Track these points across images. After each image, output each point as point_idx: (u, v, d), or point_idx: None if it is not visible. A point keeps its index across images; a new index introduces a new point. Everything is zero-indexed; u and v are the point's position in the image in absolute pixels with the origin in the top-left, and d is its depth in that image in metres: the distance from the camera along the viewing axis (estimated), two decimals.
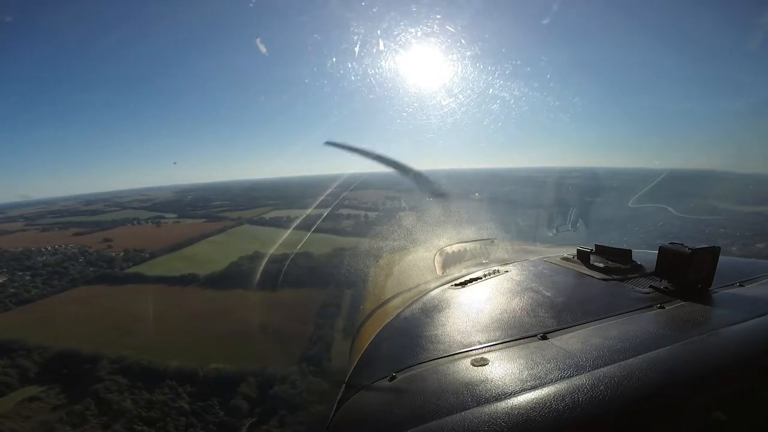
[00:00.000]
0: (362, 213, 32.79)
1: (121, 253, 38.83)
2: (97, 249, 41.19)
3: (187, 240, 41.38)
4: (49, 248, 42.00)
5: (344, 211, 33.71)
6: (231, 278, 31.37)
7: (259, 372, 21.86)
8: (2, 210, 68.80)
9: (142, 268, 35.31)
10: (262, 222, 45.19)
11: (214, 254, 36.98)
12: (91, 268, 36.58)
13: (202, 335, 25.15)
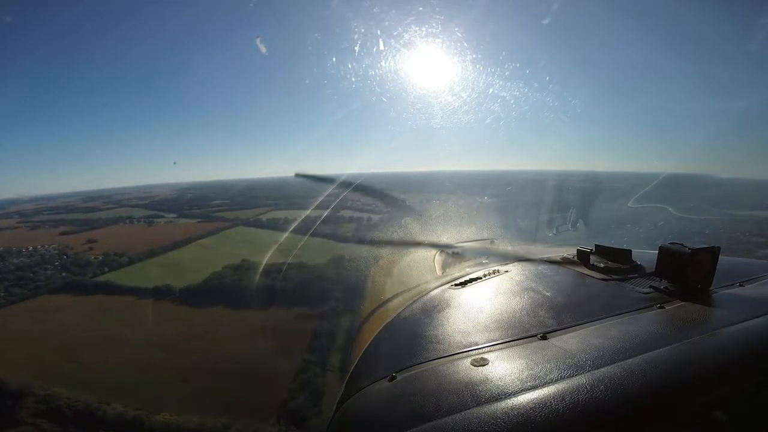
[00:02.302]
0: (365, 216, 26.83)
1: (100, 257, 34.34)
2: (77, 251, 37.13)
3: (174, 243, 36.65)
4: (30, 248, 38.28)
5: (345, 213, 28.12)
6: (210, 292, 26.15)
7: (221, 431, 16.06)
8: (2, 206, 67.27)
9: (116, 276, 30.64)
10: (258, 224, 40.47)
11: (200, 261, 31.93)
12: (62, 274, 32.21)
13: (159, 369, 19.58)
